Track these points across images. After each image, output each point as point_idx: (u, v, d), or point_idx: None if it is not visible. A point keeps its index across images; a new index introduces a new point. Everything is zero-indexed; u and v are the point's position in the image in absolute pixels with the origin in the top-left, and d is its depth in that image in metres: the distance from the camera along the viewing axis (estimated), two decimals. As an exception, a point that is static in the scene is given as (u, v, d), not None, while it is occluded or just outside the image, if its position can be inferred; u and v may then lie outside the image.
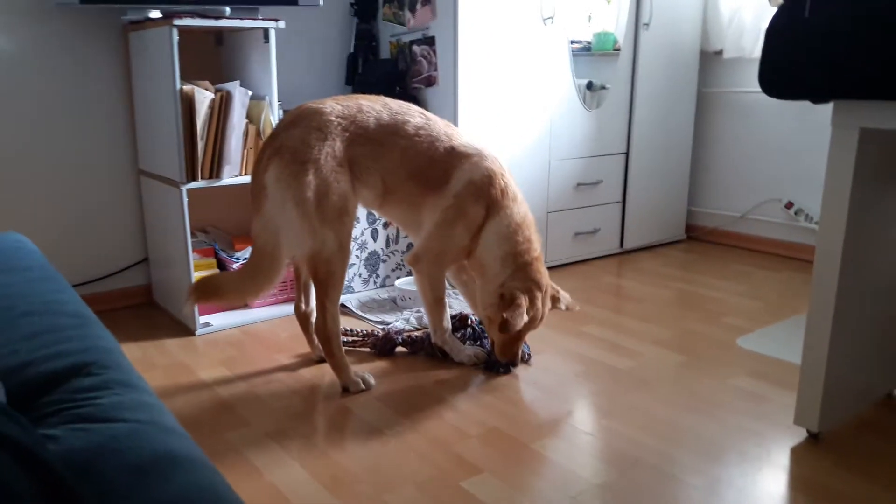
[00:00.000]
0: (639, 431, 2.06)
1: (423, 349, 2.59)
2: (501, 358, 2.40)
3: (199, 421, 2.13)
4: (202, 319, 2.89)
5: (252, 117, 2.86)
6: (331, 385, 2.37)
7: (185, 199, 2.73)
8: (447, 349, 2.53)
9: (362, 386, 2.32)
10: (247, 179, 2.85)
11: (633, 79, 3.92)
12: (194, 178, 2.73)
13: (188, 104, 2.65)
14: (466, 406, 2.22)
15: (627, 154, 4.01)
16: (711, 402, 2.25)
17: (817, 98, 1.77)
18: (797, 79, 1.76)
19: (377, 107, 2.30)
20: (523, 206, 2.38)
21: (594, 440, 2.02)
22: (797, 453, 1.94)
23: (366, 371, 2.40)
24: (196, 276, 2.81)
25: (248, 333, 2.86)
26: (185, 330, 2.88)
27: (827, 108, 3.73)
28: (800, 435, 2.03)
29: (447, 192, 2.31)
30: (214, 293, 2.31)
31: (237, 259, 3.01)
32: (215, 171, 2.77)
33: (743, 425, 2.09)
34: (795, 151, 3.97)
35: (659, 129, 4.10)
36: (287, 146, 2.19)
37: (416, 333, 2.68)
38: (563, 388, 2.35)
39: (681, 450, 1.96)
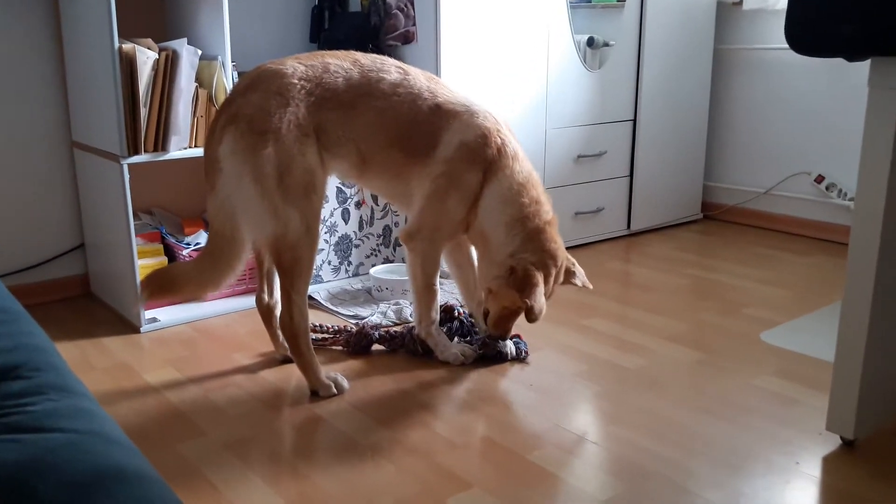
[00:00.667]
0: (649, 439, 2.07)
1: (405, 346, 2.60)
2: (493, 331, 2.44)
3: (146, 430, 2.12)
4: (148, 314, 2.88)
5: (202, 80, 2.84)
6: (298, 389, 2.37)
7: (127, 176, 2.71)
8: (431, 344, 2.54)
9: (334, 390, 2.32)
10: (198, 152, 2.83)
11: (640, 34, 3.92)
12: (136, 152, 2.71)
13: (128, 66, 2.63)
14: (453, 412, 2.23)
15: (635, 121, 4.02)
16: (732, 405, 2.27)
17: (852, 55, 1.77)
18: (829, 33, 1.76)
19: (346, 65, 2.29)
20: (526, 163, 2.39)
21: (599, 450, 2.03)
22: (829, 463, 1.96)
23: (338, 372, 2.40)
24: (140, 264, 2.80)
25: (201, 330, 2.85)
26: (128, 326, 2.87)
27: (863, 67, 3.75)
28: (833, 442, 2.05)
29: (436, 157, 2.31)
30: (169, 287, 2.30)
31: (187, 245, 3.00)
32: (161, 142, 2.74)
33: (768, 431, 2.11)
34: (827, 117, 4.00)
35: (670, 92, 4.11)
36: (243, 114, 2.17)
37: (396, 329, 2.69)
38: (564, 391, 2.37)
39: (697, 460, 1.98)
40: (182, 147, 2.80)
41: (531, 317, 2.26)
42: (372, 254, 3.39)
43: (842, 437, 2.03)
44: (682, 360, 2.58)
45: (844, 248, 3.85)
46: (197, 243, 3.00)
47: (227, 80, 2.85)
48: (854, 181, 3.89)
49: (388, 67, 2.33)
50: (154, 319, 2.87)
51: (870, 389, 1.97)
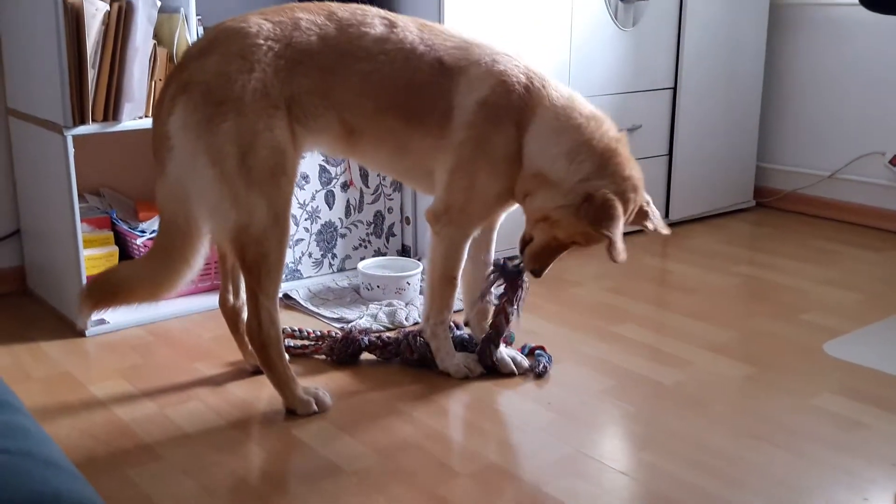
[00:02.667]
0: (688, 469, 2.07)
1: (399, 354, 2.60)
2: (529, 263, 2.40)
3: (91, 452, 2.12)
4: (95, 315, 2.87)
5: (162, 37, 2.83)
6: (271, 405, 2.37)
7: (71, 150, 2.71)
8: (433, 347, 2.52)
9: (314, 407, 2.32)
10: (155, 123, 2.84)
11: (684, -13, 3.92)
12: (83, 121, 2.70)
13: (74, 19, 2.62)
14: (456, 435, 2.23)
15: (675, 90, 4.01)
16: (787, 429, 2.27)
17: (936, 16, 1.77)
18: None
19: (320, 20, 2.27)
20: (562, 87, 2.37)
21: (628, 481, 2.03)
22: (902, 498, 1.97)
23: (319, 387, 2.40)
24: (87, 254, 2.80)
25: (157, 334, 2.85)
26: (70, 329, 2.87)
27: (947, 30, 3.74)
28: (906, 473, 2.06)
29: (453, 125, 2.30)
30: (116, 293, 2.29)
31: (142, 233, 3.00)
32: (112, 111, 2.74)
33: (830, 461, 2.11)
34: (904, 88, 3.99)
35: (718, 55, 4.10)
36: (197, 81, 2.16)
37: (389, 334, 2.69)
38: (588, 411, 2.37)
39: (744, 494, 1.97)
40: (137, 116, 2.80)
41: (615, 253, 2.21)
42: (360, 245, 3.39)
43: (917, 469, 2.04)
44: (728, 375, 2.58)
45: (923, 244, 3.85)
46: (153, 230, 3.00)
47: (190, 36, 2.85)
48: (936, 164, 3.88)
49: (371, 20, 2.31)
50: (102, 321, 2.86)
51: (951, 412, 1.96)
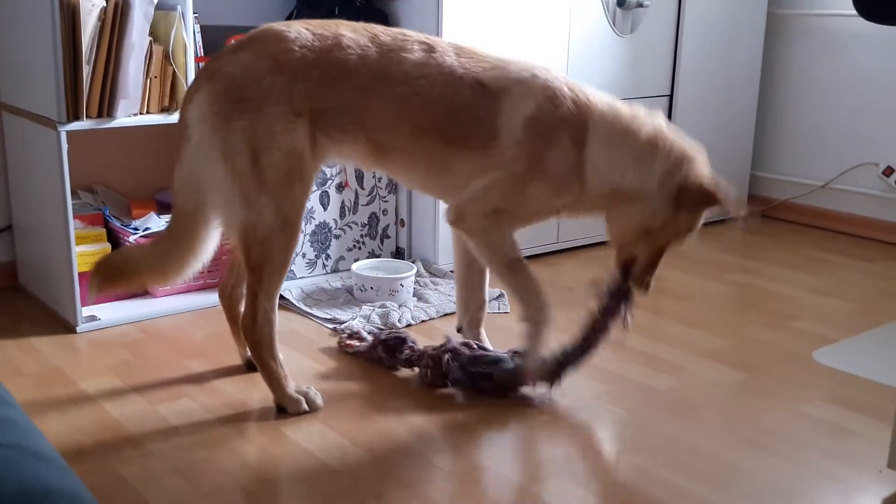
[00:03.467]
0: (679, 473, 2.08)
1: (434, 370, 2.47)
2: (643, 281, 2.37)
3: (80, 447, 2.12)
4: (86, 311, 2.87)
5: (158, 35, 2.83)
6: (262, 403, 2.37)
7: (65, 146, 2.70)
8: (531, 336, 2.34)
9: (304, 406, 2.32)
10: (149, 120, 2.83)
11: (681, -5, 3.93)
12: (77, 117, 2.70)
13: (70, 15, 2.62)
14: (449, 436, 2.23)
15: (671, 97, 4.02)
16: (777, 435, 2.27)
17: (932, 25, 1.77)
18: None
19: (363, 40, 2.26)
20: (600, 94, 2.36)
21: (619, 485, 2.03)
22: (891, 505, 1.97)
23: (311, 386, 2.39)
24: (79, 251, 2.80)
25: (148, 331, 2.85)
26: (62, 325, 2.87)
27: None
28: (895, 482, 2.05)
29: (499, 145, 2.27)
30: (123, 275, 2.31)
31: (135, 230, 2.99)
32: (106, 107, 2.74)
33: (819, 468, 2.12)
34: (899, 99, 4.01)
35: (715, 63, 4.11)
36: (224, 72, 2.18)
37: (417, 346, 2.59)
38: (581, 415, 2.37)
39: (735, 498, 1.98)
40: (131, 113, 2.79)
41: (744, 218, 2.30)
42: (355, 246, 3.39)
43: (906, 477, 2.04)
44: (720, 381, 2.59)
45: (916, 255, 3.87)
46: (146, 228, 3.00)
47: (187, 34, 2.84)
48: (929, 175, 3.89)
49: (411, 45, 2.29)
50: (93, 318, 2.86)
51: (941, 421, 1.97)
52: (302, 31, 2.23)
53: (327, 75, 2.21)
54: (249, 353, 2.50)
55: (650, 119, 2.32)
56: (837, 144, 4.22)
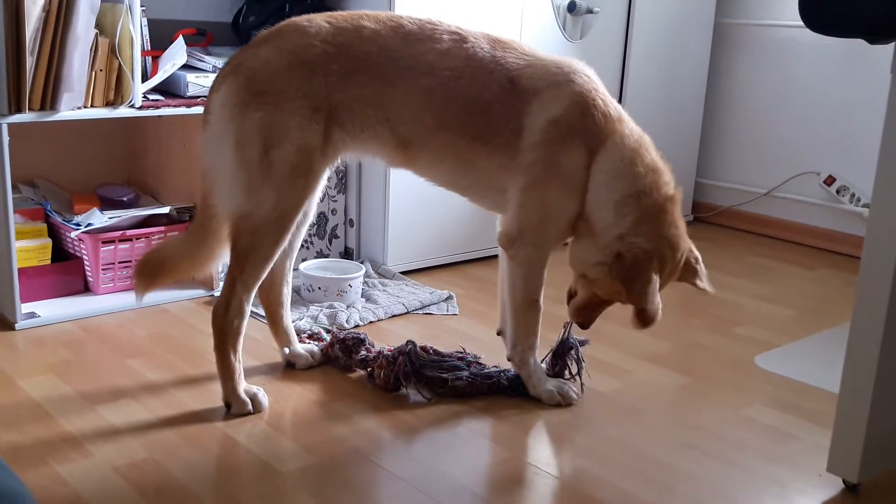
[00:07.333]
0: (621, 476, 2.09)
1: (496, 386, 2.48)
2: (573, 317, 2.42)
3: (19, 448, 2.09)
4: (25, 308, 2.83)
5: (104, 27, 2.80)
6: (206, 403, 2.35)
7: (6, 139, 2.67)
8: (524, 375, 2.44)
9: (249, 408, 2.31)
10: (94, 113, 2.81)
11: (630, 0, 3.97)
12: (19, 110, 2.66)
13: (13, 4, 2.58)
14: (392, 437, 2.23)
15: (620, 103, 4.04)
16: (719, 438, 2.30)
17: (875, 35, 1.80)
18: (850, 7, 1.78)
19: (385, 31, 2.26)
20: (633, 124, 2.34)
21: (561, 486, 2.05)
22: (829, 509, 2.00)
23: (260, 387, 2.37)
24: (19, 246, 2.76)
25: (89, 330, 2.81)
26: (0, 322, 2.82)
27: (887, 51, 3.83)
28: (834, 486, 2.09)
29: (523, 145, 2.26)
30: (163, 270, 2.38)
31: (76, 226, 2.95)
32: (49, 100, 2.71)
33: (760, 471, 2.15)
34: (842, 109, 4.08)
35: (662, 71, 4.16)
36: (247, 66, 2.21)
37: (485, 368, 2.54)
38: (524, 417, 2.38)
39: (676, 500, 2.00)
40: (75, 106, 2.76)
41: (644, 319, 2.22)
42: (303, 246, 3.38)
43: (844, 481, 2.07)
44: (663, 384, 2.62)
45: (855, 262, 3.91)
46: (88, 224, 2.96)
47: (134, 27, 2.81)
48: (870, 185, 3.95)
49: (440, 34, 2.28)
50: (32, 314, 2.82)
51: (878, 427, 2.00)
52: (322, 24, 2.24)
53: (348, 68, 2.22)
54: (292, 350, 2.59)
55: (663, 189, 2.31)
56: (780, 153, 4.29)
